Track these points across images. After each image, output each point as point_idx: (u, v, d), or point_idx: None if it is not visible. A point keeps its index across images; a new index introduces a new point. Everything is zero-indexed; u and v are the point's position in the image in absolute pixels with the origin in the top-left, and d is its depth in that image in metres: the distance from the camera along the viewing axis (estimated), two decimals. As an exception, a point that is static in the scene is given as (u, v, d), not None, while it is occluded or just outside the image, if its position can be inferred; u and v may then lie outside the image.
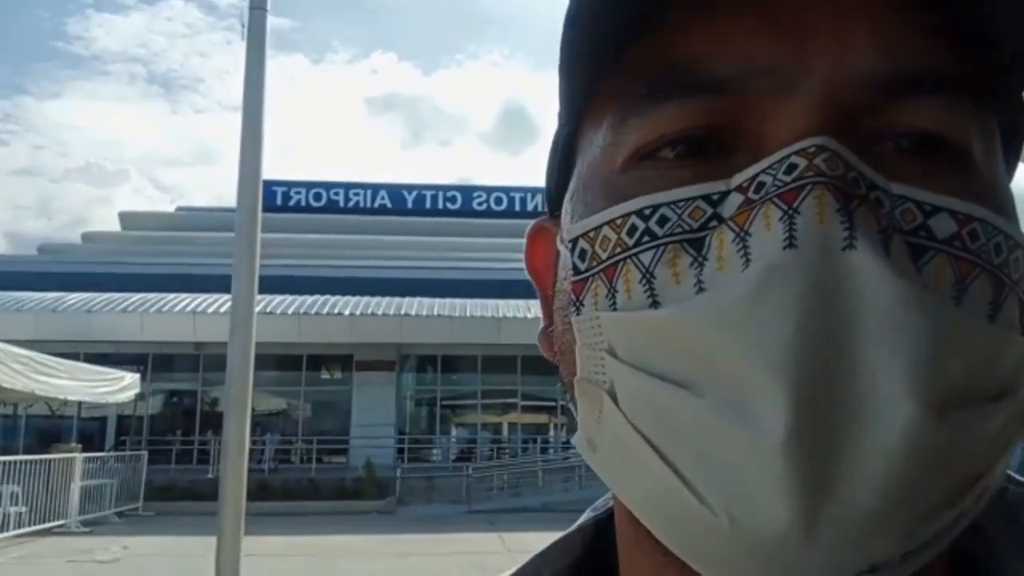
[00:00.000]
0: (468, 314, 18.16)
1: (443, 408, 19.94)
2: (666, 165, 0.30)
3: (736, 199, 0.28)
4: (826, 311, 0.25)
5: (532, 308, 18.21)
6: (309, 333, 17.53)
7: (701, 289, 0.28)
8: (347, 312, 17.80)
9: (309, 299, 18.07)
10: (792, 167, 0.27)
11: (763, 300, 0.25)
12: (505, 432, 19.93)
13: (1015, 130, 0.33)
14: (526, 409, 19.84)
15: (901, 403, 0.24)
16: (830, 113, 0.28)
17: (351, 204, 25.01)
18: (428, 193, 25.59)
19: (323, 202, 25.15)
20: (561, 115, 0.37)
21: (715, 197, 0.29)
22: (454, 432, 20.02)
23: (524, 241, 0.41)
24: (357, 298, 18.52)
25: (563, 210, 0.37)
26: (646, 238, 0.29)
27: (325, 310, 17.79)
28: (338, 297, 18.47)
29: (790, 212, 0.26)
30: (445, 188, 26.04)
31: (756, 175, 0.28)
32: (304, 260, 21.15)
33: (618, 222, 0.30)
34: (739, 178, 0.29)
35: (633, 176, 0.31)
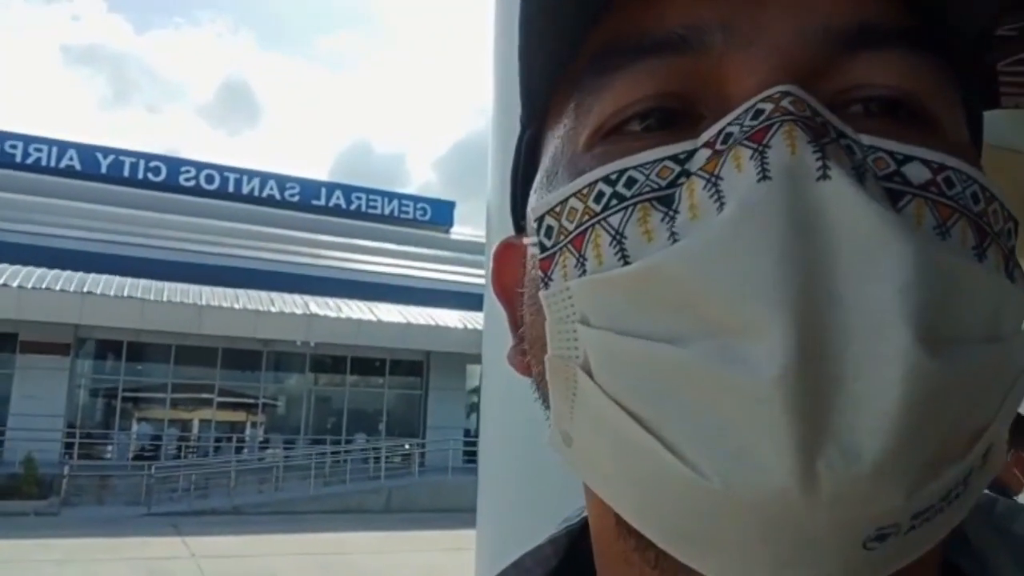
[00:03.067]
0: (165, 298, 16.64)
1: (125, 401, 18.03)
2: (632, 137, 0.30)
3: (704, 153, 0.28)
4: (807, 241, 0.24)
5: (240, 298, 17.28)
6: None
7: (675, 240, 0.27)
8: (14, 284, 15.40)
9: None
10: (759, 112, 0.26)
11: (740, 236, 0.24)
12: (196, 429, 18.53)
13: (975, 116, 0.33)
14: (222, 406, 18.65)
15: (894, 331, 0.23)
16: (792, 67, 0.28)
17: (30, 161, 21.75)
18: (127, 160, 22.96)
19: (-7, 154, 21.59)
20: (523, 116, 0.36)
21: (682, 156, 0.28)
22: (135, 427, 18.20)
23: (491, 262, 0.40)
24: (28, 269, 16.14)
25: (528, 212, 0.35)
26: (614, 201, 0.28)
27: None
28: (4, 266, 15.95)
29: (760, 148, 0.25)
30: (148, 157, 23.57)
31: (723, 128, 0.27)
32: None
33: (584, 191, 0.29)
34: (706, 135, 0.28)
35: (597, 152, 0.30)
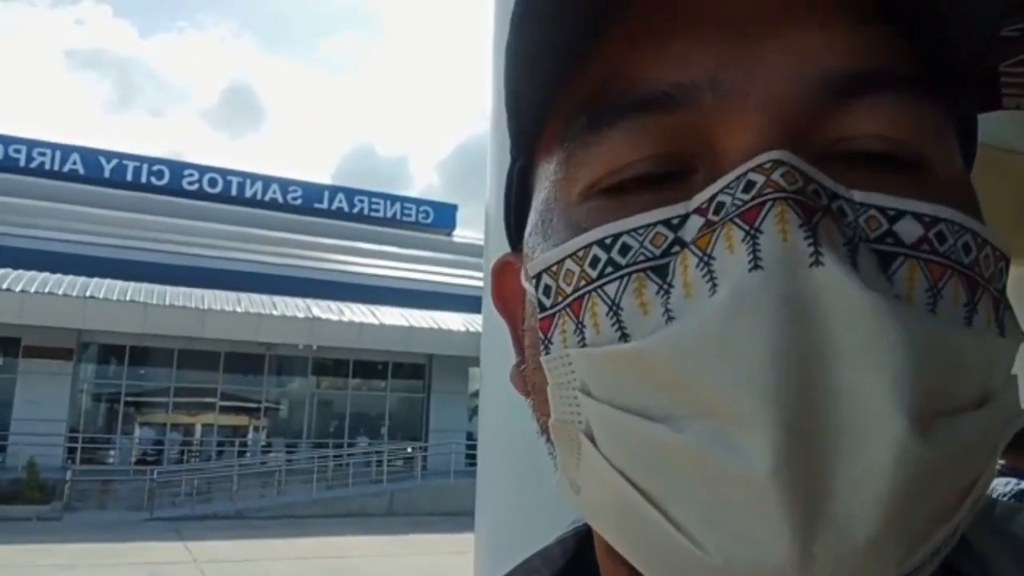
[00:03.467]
0: (167, 302, 16.64)
1: (127, 405, 18.01)
2: (625, 195, 0.30)
3: (697, 221, 0.28)
4: (800, 332, 0.24)
5: (242, 302, 17.29)
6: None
7: (670, 318, 0.27)
8: (17, 288, 15.42)
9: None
10: (750, 184, 0.26)
11: (734, 326, 0.25)
12: (198, 434, 18.51)
13: (968, 134, 0.34)
14: (225, 410, 18.63)
15: (886, 420, 0.24)
16: (783, 122, 0.28)
17: (34, 165, 21.79)
18: (131, 164, 22.99)
19: (-2, 159, 21.64)
20: (512, 149, 0.37)
21: (675, 221, 0.28)
22: (138, 432, 18.19)
23: (491, 277, 0.41)
24: (32, 273, 16.15)
25: (524, 245, 0.36)
26: (609, 268, 0.29)
27: (-10, 283, 15.28)
28: (7, 270, 15.96)
29: (752, 232, 0.25)
30: (152, 160, 23.59)
31: (714, 195, 0.27)
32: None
33: (580, 254, 0.30)
34: (698, 199, 0.28)
35: (591, 207, 0.31)
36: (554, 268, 0.31)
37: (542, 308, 0.31)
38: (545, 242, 0.33)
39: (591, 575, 0.37)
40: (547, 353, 0.31)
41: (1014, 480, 2.32)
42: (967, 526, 0.28)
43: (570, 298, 0.30)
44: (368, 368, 19.90)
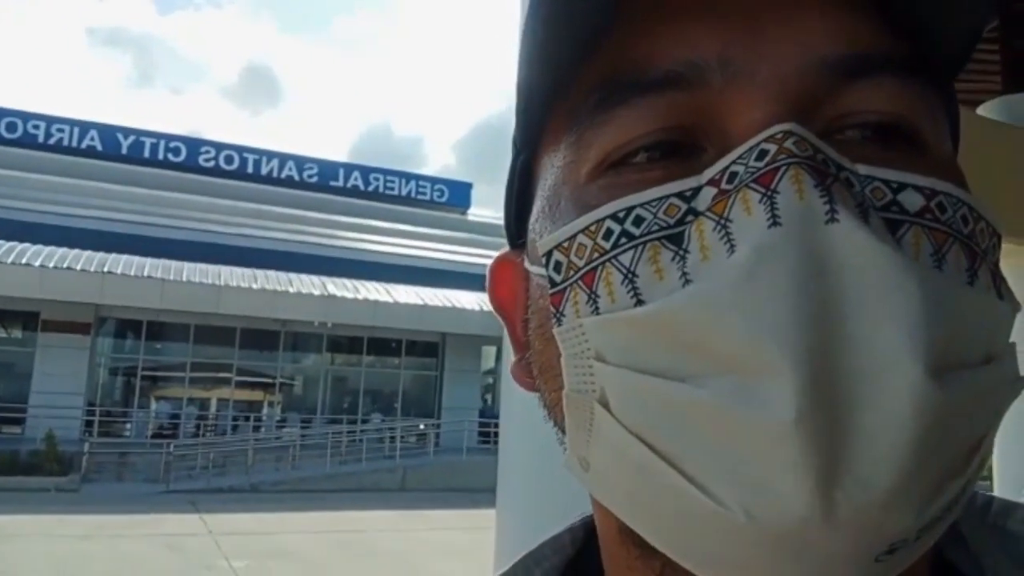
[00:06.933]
0: (184, 278, 16.75)
1: (144, 379, 18.23)
2: (635, 169, 0.31)
3: (710, 191, 0.28)
4: (819, 285, 0.25)
5: (258, 278, 17.38)
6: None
7: (688, 281, 0.28)
8: (36, 263, 15.57)
9: (-12, 243, 15.58)
10: (763, 153, 0.27)
11: (755, 281, 0.25)
12: (214, 408, 18.73)
13: (955, 121, 0.35)
14: (240, 385, 18.82)
15: (904, 368, 0.24)
16: (790, 100, 0.29)
17: (52, 141, 21.93)
18: (148, 140, 23.09)
19: (18, 134, 21.76)
20: (516, 142, 0.37)
21: (688, 193, 0.29)
22: (155, 405, 18.42)
23: (487, 276, 0.41)
24: (50, 248, 16.28)
25: (529, 235, 0.36)
26: (623, 239, 0.29)
27: (10, 259, 15.40)
28: (27, 245, 16.11)
29: (769, 193, 0.26)
30: (169, 137, 23.65)
31: (727, 166, 0.28)
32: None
33: (592, 228, 0.30)
34: (710, 172, 0.29)
35: (602, 184, 0.31)
36: (566, 244, 0.31)
37: (553, 284, 0.31)
38: (553, 224, 0.33)
39: (599, 563, 0.38)
40: (559, 325, 0.31)
41: None
42: (961, 527, 0.29)
43: (583, 271, 0.30)
44: (382, 345, 20.01)
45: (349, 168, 25.36)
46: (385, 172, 25.81)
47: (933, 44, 0.32)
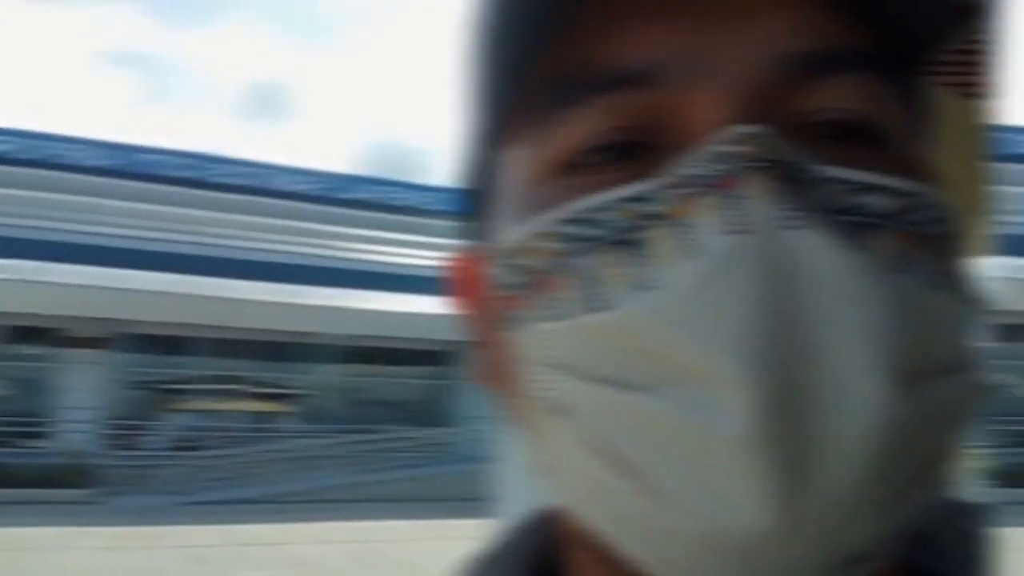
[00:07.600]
0: (201, 293, 16.98)
1: (164, 392, 18.42)
2: (590, 171, 0.29)
3: (668, 195, 0.27)
4: (778, 293, 0.24)
5: (273, 291, 17.53)
6: (10, 301, 15.35)
7: (644, 288, 0.26)
8: (57, 281, 15.82)
9: (9, 263, 15.83)
10: (722, 156, 0.26)
11: (713, 289, 0.25)
12: (233, 420, 18.84)
13: (926, 113, 0.35)
14: (257, 396, 18.97)
15: (865, 377, 0.24)
16: (749, 99, 0.28)
17: (66, 161, 22.25)
18: (160, 158, 23.46)
19: (33, 155, 22.12)
20: (472, 143, 0.36)
21: (644, 197, 0.28)
22: (174, 418, 18.60)
23: (444, 278, 0.40)
24: (70, 266, 16.53)
25: (485, 235, 0.36)
26: (578, 244, 0.28)
27: (31, 277, 15.68)
28: (47, 263, 16.37)
29: (727, 198, 0.26)
30: (178, 154, 23.99)
31: (685, 168, 0.27)
32: (5, 219, 18.44)
33: (547, 231, 0.29)
34: (667, 174, 0.28)
35: (557, 185, 0.30)
36: (521, 247, 0.30)
37: (508, 288, 0.31)
38: (509, 226, 0.32)
39: (560, 564, 0.37)
40: (515, 331, 0.30)
41: None
42: (928, 529, 0.29)
43: (537, 275, 0.29)
44: (398, 355, 20.10)
45: (360, 180, 25.51)
46: (394, 184, 25.92)
47: (902, 33, 0.31)
